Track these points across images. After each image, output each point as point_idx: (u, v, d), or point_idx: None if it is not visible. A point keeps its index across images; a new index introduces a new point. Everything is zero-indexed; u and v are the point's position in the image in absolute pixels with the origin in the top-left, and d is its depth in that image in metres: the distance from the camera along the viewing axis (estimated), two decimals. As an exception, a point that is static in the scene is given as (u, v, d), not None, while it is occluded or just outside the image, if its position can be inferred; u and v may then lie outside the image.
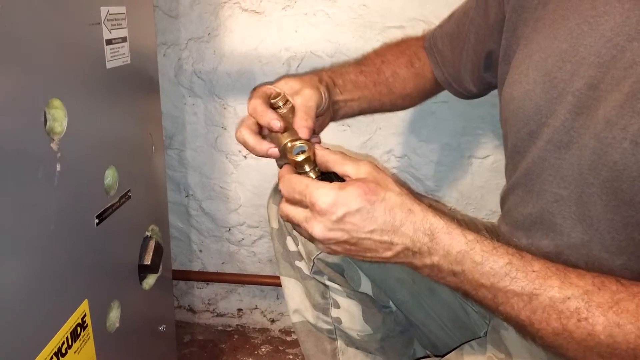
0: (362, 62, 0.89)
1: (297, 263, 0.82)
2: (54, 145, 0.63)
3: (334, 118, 0.81)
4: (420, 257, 0.54)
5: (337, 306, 0.81)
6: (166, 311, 1.11)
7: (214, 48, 1.21)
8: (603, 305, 0.49)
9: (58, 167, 0.64)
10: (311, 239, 0.57)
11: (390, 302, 0.81)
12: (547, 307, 0.51)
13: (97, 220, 0.75)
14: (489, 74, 0.84)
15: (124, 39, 0.79)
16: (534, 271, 0.52)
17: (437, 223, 0.54)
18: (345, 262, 0.77)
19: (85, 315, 0.73)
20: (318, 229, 0.53)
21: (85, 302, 0.73)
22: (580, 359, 0.51)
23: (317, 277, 0.81)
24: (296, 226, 0.58)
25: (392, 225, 0.53)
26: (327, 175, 0.60)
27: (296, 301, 0.84)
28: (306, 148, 0.61)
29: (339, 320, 0.81)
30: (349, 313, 0.81)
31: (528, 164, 0.69)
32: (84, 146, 0.70)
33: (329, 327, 0.83)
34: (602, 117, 0.57)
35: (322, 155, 0.59)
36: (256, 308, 1.54)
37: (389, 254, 0.54)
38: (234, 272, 1.47)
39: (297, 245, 0.81)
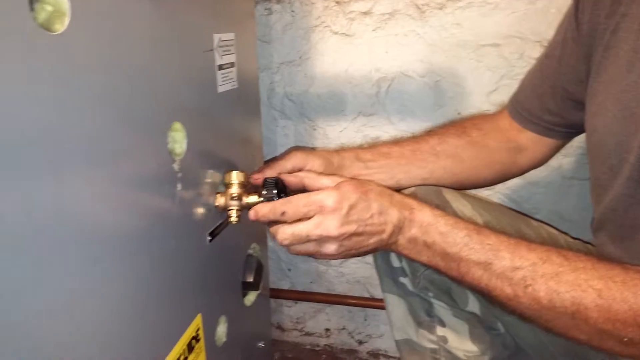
0: (403, 138, 0.92)
1: (401, 279, 0.81)
2: (175, 166, 0.67)
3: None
4: (403, 232, 0.64)
5: (443, 324, 0.80)
6: (264, 328, 1.13)
7: (304, 71, 1.24)
8: (546, 276, 0.56)
9: (179, 187, 0.68)
10: (321, 246, 0.63)
11: (499, 324, 0.79)
12: (500, 275, 0.59)
13: (209, 238, 0.78)
14: None
15: (232, 64, 0.83)
16: (488, 244, 0.61)
17: (412, 202, 0.66)
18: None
19: (199, 329, 0.76)
20: (333, 226, 0.61)
21: (199, 316, 0.76)
22: (533, 321, 0.60)
23: (422, 294, 0.80)
24: (303, 242, 0.64)
25: (384, 207, 0.62)
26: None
27: (399, 318, 0.83)
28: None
29: (444, 339, 0.80)
30: (455, 332, 0.79)
31: (612, 200, 0.67)
32: (199, 167, 0.74)
33: (433, 346, 0.81)
34: None
35: (294, 179, 0.71)
36: (344, 329, 1.53)
37: (384, 235, 0.63)
38: (323, 292, 1.48)
39: (400, 261, 0.81)
